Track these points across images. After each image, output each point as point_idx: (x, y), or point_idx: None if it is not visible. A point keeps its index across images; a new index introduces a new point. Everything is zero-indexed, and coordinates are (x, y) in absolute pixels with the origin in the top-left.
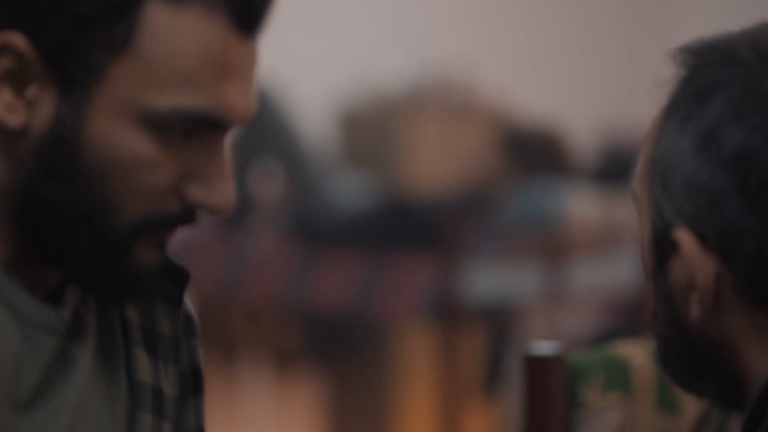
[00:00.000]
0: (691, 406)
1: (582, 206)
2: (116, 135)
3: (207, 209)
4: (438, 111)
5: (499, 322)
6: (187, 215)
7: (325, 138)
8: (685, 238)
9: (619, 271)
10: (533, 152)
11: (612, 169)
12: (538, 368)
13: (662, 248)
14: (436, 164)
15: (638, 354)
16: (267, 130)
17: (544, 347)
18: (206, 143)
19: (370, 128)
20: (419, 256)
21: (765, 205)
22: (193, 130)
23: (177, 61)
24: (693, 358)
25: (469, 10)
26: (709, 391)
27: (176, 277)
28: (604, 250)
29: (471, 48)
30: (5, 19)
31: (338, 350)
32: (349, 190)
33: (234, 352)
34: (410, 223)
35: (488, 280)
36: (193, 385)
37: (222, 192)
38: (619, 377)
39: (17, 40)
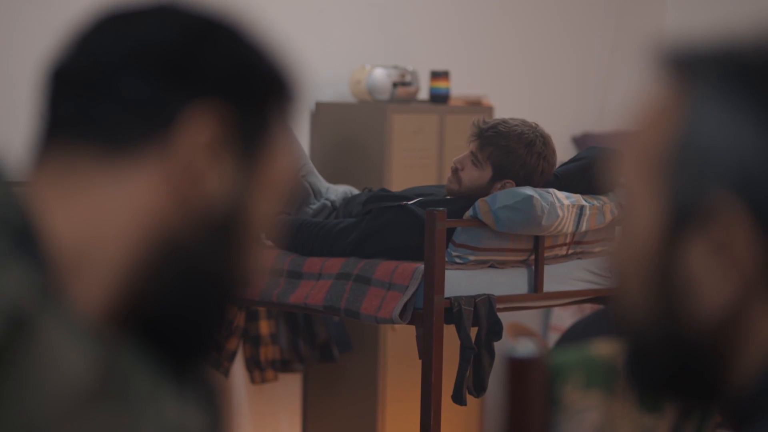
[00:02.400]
0: (671, 404)
1: (563, 205)
2: (262, 210)
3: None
4: (422, 119)
5: (484, 320)
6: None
7: (307, 141)
8: (728, 208)
9: (600, 271)
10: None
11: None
12: (519, 367)
13: (686, 227)
14: (423, 167)
15: (619, 353)
16: None
17: (525, 346)
18: None
19: (354, 136)
20: (406, 252)
21: None
22: None
23: (284, 148)
24: (687, 357)
25: (452, 26)
26: (690, 392)
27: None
28: (589, 248)
29: (455, 62)
30: (202, 101)
31: (324, 346)
32: (335, 188)
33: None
34: (397, 219)
35: (474, 277)
36: None
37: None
38: (599, 376)
39: (222, 110)
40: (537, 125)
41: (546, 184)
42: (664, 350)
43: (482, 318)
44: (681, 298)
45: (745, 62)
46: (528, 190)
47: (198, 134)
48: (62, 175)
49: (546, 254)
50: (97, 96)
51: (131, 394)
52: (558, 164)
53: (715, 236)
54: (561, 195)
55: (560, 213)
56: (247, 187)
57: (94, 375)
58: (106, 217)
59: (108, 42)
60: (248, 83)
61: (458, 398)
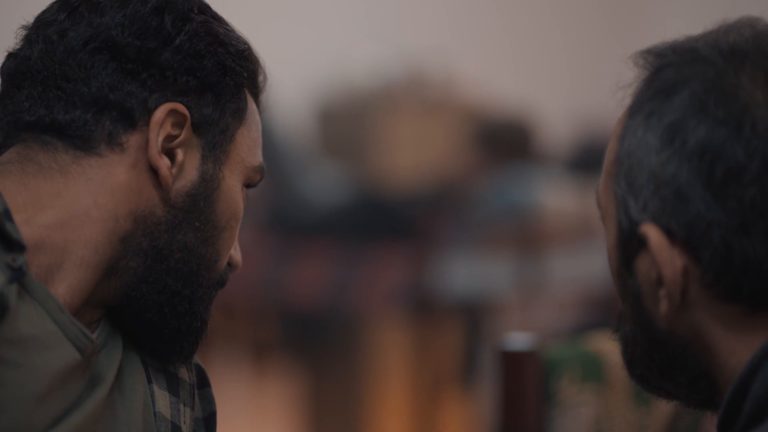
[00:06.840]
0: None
1: (557, 198)
2: (236, 191)
3: (234, 268)
4: (413, 104)
5: (474, 316)
6: (225, 276)
7: (299, 131)
8: (651, 233)
9: (594, 263)
10: (505, 143)
11: (588, 161)
12: (512, 362)
13: (628, 246)
14: (410, 158)
15: (612, 348)
16: None
17: (518, 341)
18: None
19: (345, 121)
20: (394, 249)
21: (731, 197)
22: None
23: (255, 130)
24: (662, 358)
25: (445, 1)
26: (681, 391)
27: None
28: (579, 242)
29: (447, 40)
30: (168, 96)
31: (314, 344)
32: (324, 184)
33: (209, 346)
34: (385, 217)
35: (463, 273)
36: (207, 430)
37: (238, 252)
38: (593, 371)
39: (185, 110)
40: (518, 121)
41: (542, 172)
42: (640, 350)
43: (478, 312)
44: (637, 306)
45: (664, 80)
46: (521, 188)
47: (157, 129)
48: (35, 172)
49: (543, 248)
50: (59, 93)
51: (115, 377)
52: (559, 152)
53: (645, 262)
54: (558, 188)
55: (556, 205)
56: (215, 172)
57: (75, 357)
58: (78, 214)
59: (72, 34)
60: (207, 72)
61: (455, 389)
